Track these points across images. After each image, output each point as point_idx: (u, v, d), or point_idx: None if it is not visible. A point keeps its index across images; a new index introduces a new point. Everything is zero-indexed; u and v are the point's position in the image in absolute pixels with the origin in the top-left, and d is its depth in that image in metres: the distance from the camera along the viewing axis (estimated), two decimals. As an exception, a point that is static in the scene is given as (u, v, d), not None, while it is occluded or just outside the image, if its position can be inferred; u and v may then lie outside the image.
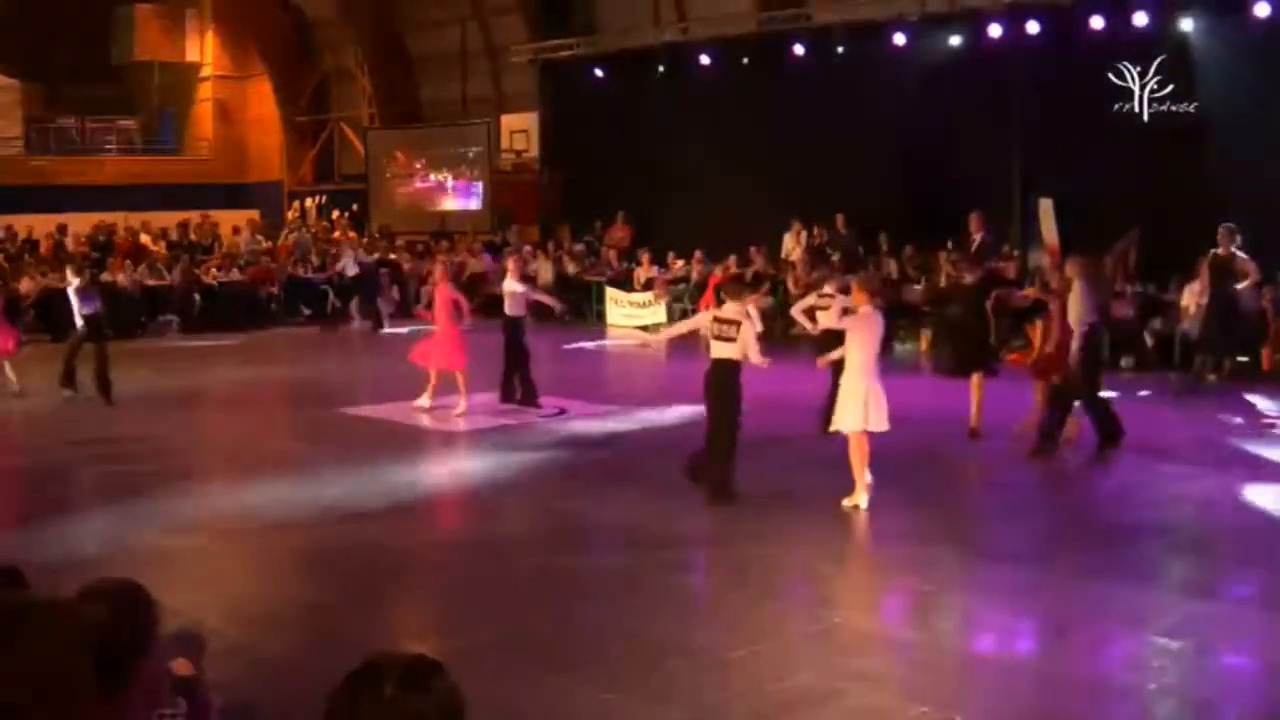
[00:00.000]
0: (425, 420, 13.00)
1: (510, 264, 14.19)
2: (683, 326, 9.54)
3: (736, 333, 9.09)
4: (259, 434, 12.50)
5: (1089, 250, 11.93)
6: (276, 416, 13.41)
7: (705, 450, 9.33)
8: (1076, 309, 10.64)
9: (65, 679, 2.06)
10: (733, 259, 20.72)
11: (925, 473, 10.40)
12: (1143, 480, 9.96)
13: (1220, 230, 14.72)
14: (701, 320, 9.44)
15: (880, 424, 8.97)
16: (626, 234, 23.95)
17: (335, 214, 28.47)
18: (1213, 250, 14.75)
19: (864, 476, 9.04)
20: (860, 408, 8.92)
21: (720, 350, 9.15)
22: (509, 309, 13.46)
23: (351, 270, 22.65)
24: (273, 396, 14.63)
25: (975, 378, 11.58)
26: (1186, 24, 16.79)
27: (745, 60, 21.63)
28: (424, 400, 13.31)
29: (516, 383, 13.42)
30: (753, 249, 20.39)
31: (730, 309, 9.29)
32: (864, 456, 9.02)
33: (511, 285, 13.51)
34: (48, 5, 29.48)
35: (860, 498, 9.03)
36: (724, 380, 9.14)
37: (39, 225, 24.57)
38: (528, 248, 24.53)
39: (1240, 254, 14.67)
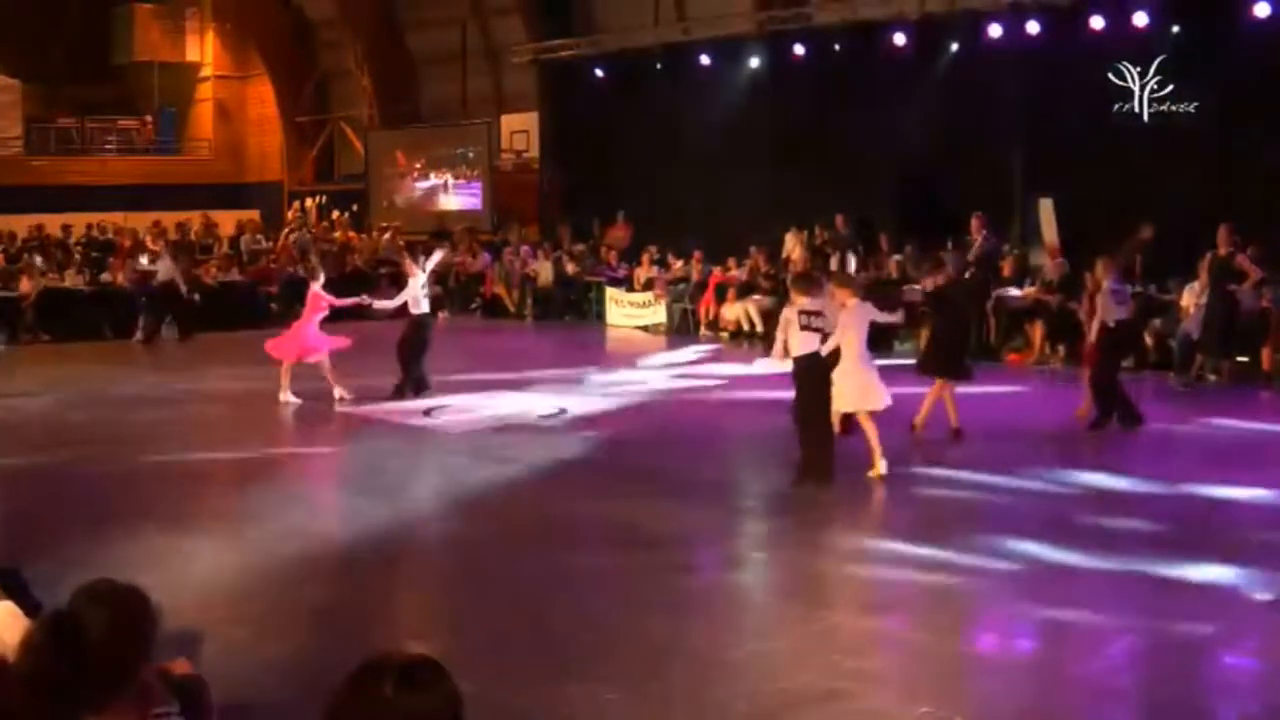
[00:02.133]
0: (423, 420, 12.99)
1: (408, 264, 14.67)
2: (780, 333, 9.83)
3: (823, 323, 9.59)
4: (257, 432, 12.50)
5: (1106, 249, 12.41)
6: (274, 415, 13.40)
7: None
8: (1104, 306, 11.63)
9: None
10: (731, 261, 20.74)
11: (924, 473, 10.40)
12: (1142, 480, 9.95)
13: (1220, 230, 14.73)
14: (785, 320, 9.74)
15: (879, 403, 9.90)
16: (626, 234, 23.94)
17: (335, 214, 28.46)
18: (1212, 250, 14.77)
19: (878, 447, 9.80)
20: (857, 389, 9.79)
21: (806, 343, 9.50)
22: (413, 308, 14.06)
23: (164, 276, 20.55)
24: (270, 395, 14.62)
25: (939, 381, 11.70)
26: (1186, 24, 16.78)
27: (745, 60, 21.64)
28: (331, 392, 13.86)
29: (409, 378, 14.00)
30: (752, 249, 20.39)
31: (811, 303, 9.61)
32: (874, 430, 9.86)
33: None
34: (48, 5, 29.49)
35: (881, 466, 9.79)
36: (802, 374, 9.58)
37: (45, 225, 24.54)
38: (526, 248, 24.54)
39: (1241, 254, 14.69)
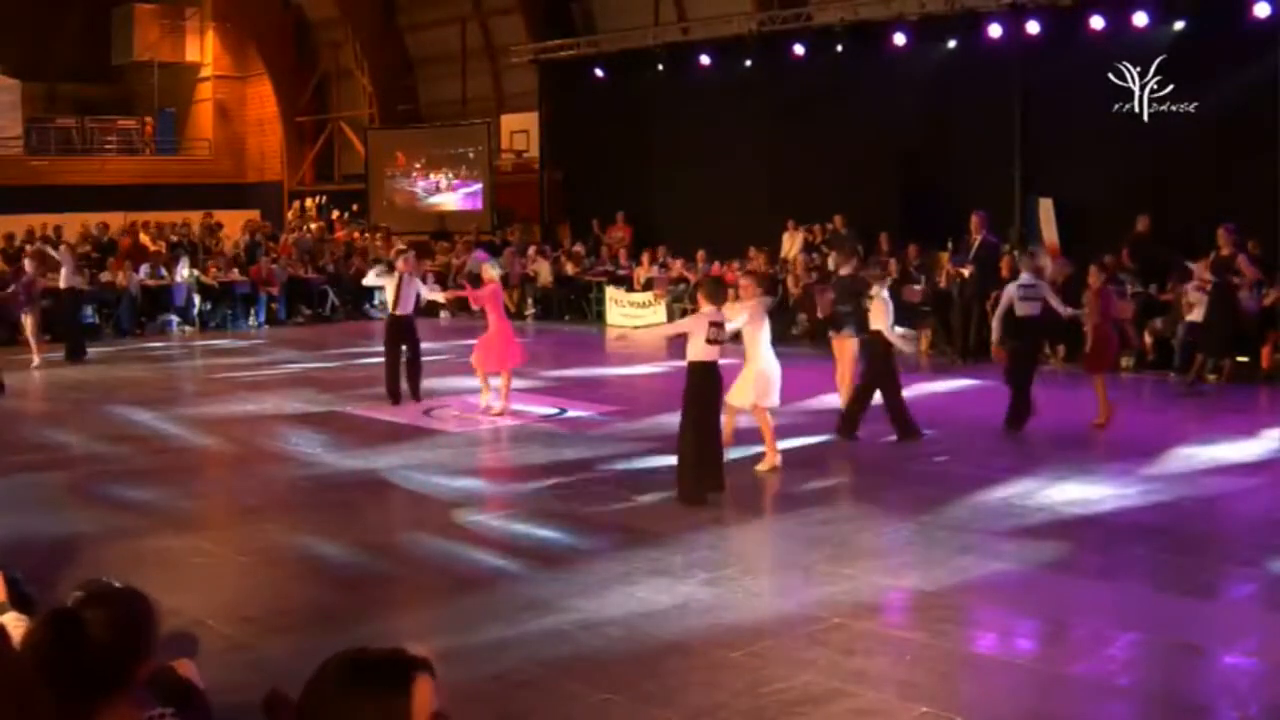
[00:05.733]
0: (424, 420, 13.00)
1: (401, 263, 14.30)
2: (679, 327, 10.09)
3: (723, 335, 9.45)
4: (260, 433, 12.50)
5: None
6: (277, 416, 13.41)
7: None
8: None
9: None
10: (735, 262, 20.74)
11: (923, 474, 10.41)
12: (1142, 479, 9.96)
13: (1219, 232, 14.74)
14: (692, 324, 9.52)
15: (769, 400, 10.27)
16: (626, 234, 23.96)
17: (335, 214, 28.47)
18: (1213, 251, 14.78)
19: (773, 443, 10.24)
20: (753, 386, 10.19)
21: (708, 353, 9.32)
22: (402, 309, 13.75)
23: (66, 283, 18.49)
24: (273, 395, 14.63)
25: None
26: (1187, 24, 16.78)
27: (745, 60, 21.64)
28: (493, 403, 13.21)
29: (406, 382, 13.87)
30: (751, 249, 20.40)
31: (716, 313, 9.40)
32: (767, 425, 10.26)
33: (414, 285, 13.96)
34: (48, 5, 29.49)
35: (774, 460, 10.24)
36: (700, 381, 9.32)
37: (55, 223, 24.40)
38: (531, 248, 24.55)
39: (1242, 254, 14.70)
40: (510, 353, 13.18)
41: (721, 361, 9.47)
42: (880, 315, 11.38)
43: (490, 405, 13.22)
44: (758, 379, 10.23)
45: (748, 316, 10.13)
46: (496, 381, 13.27)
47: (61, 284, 18.53)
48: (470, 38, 28.58)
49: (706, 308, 9.39)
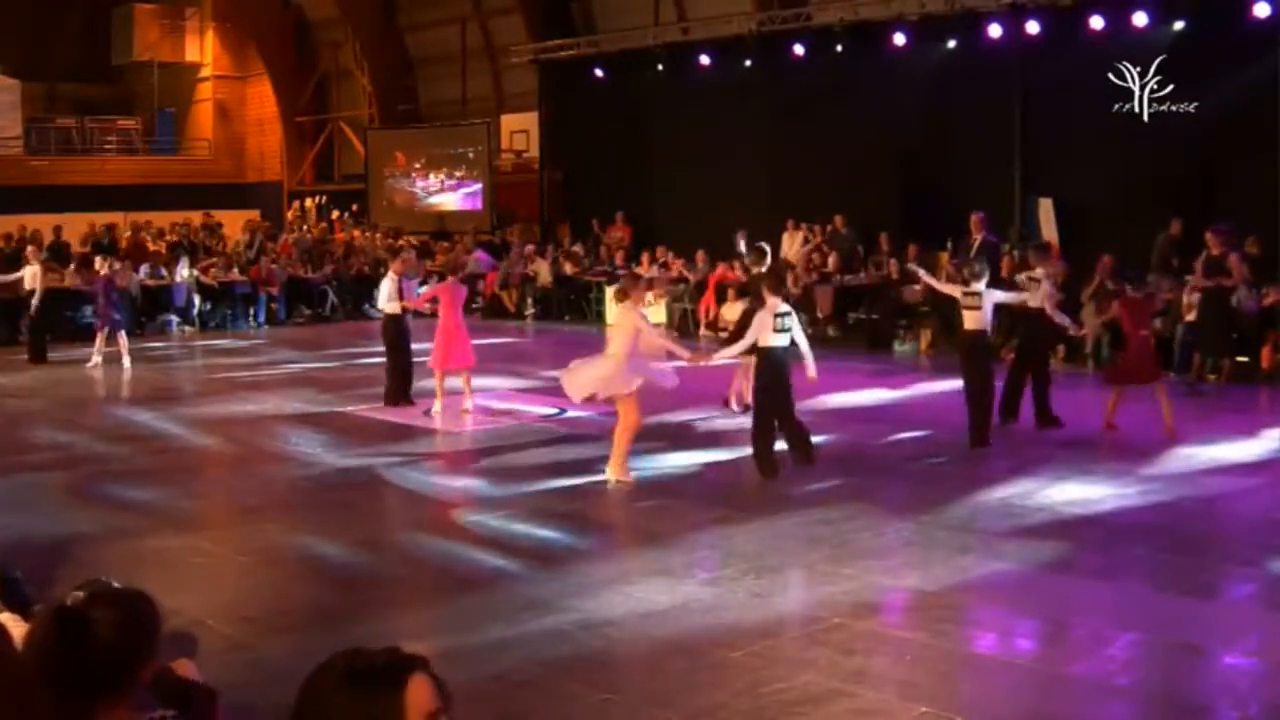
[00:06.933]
0: (425, 421, 12.99)
1: (397, 264, 14.15)
2: (743, 344, 10.29)
3: (793, 323, 9.95)
4: (260, 433, 12.50)
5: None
6: (277, 416, 13.40)
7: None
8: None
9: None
10: (736, 262, 20.71)
11: (923, 474, 10.41)
12: (1142, 479, 9.96)
13: (1207, 234, 14.72)
14: (760, 322, 10.00)
15: (619, 390, 9.89)
16: (626, 234, 23.95)
17: (335, 214, 28.47)
18: (1206, 251, 14.77)
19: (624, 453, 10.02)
20: (597, 381, 9.89)
21: (778, 339, 9.91)
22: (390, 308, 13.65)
23: (30, 284, 18.42)
24: (273, 395, 14.62)
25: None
26: (1187, 24, 16.78)
27: (745, 60, 21.64)
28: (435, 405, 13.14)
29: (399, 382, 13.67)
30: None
31: (782, 304, 9.97)
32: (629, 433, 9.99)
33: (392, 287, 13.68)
34: (48, 5, 29.50)
35: (618, 472, 9.99)
36: (767, 368, 9.97)
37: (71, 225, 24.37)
38: (530, 247, 24.54)
39: (1235, 254, 14.68)
40: (453, 353, 13.07)
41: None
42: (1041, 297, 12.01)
43: (467, 406, 13.24)
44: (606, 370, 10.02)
45: (628, 326, 10.10)
46: (453, 382, 13.31)
47: (28, 285, 18.57)
48: (470, 38, 28.58)
49: (773, 301, 9.90)
